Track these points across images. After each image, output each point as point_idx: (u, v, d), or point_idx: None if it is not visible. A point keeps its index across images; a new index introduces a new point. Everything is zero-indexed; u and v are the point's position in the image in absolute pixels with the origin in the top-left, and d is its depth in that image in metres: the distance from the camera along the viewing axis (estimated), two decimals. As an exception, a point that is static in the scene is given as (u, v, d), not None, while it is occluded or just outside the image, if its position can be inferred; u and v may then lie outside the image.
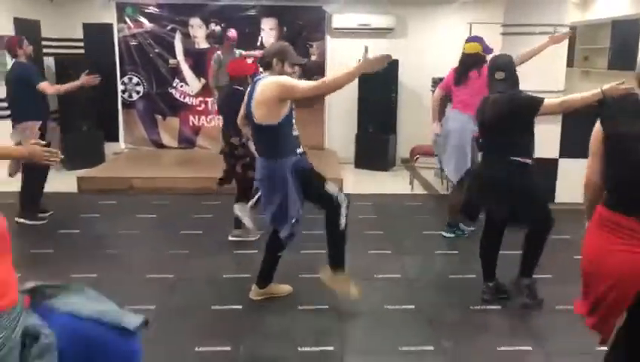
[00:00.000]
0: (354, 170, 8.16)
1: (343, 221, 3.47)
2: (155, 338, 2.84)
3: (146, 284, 4.05)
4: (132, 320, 1.83)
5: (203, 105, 8.57)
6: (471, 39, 5.17)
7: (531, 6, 6.18)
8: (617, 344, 2.21)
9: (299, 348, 3.20)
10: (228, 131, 4.73)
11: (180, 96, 8.54)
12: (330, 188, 3.51)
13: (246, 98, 3.47)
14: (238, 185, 4.85)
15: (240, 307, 3.69)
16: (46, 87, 5.21)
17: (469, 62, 5.02)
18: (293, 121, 3.48)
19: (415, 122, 8.08)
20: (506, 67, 3.64)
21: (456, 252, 4.82)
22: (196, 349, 3.17)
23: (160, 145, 8.59)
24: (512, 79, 3.62)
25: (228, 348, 3.20)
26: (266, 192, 3.50)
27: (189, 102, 8.58)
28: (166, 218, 5.71)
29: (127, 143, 8.54)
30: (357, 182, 7.37)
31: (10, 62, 5.52)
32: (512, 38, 6.26)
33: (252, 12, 8.39)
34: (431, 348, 3.23)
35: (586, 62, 8.18)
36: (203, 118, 8.61)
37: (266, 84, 3.31)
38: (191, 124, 8.63)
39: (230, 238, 4.93)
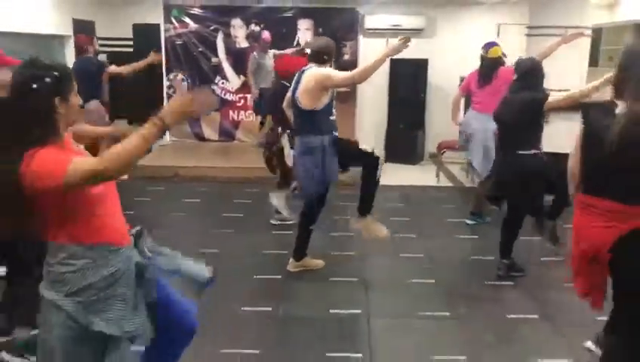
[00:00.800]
0: (384, 163, 8.55)
1: (379, 172, 4.01)
2: (205, 301, 3.34)
3: (194, 257, 4.56)
4: (203, 273, 2.31)
5: (242, 101, 9.11)
6: (491, 44, 5.53)
7: (554, 9, 6.53)
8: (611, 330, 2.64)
9: (330, 310, 3.67)
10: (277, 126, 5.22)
11: (221, 93, 9.10)
12: (366, 147, 4.02)
13: (292, 86, 3.98)
14: (282, 173, 5.35)
15: (279, 276, 4.18)
16: (114, 68, 5.82)
17: (493, 66, 5.41)
18: (334, 109, 3.97)
19: (443, 119, 8.41)
20: (520, 69, 4.04)
21: (477, 237, 5.22)
22: (242, 309, 3.68)
23: (202, 138, 9.16)
24: (527, 80, 4.01)
25: (269, 309, 3.69)
26: (305, 164, 3.95)
27: (230, 98, 9.13)
28: (209, 202, 6.25)
29: (172, 136, 9.14)
30: (386, 175, 7.73)
31: (67, 57, 6.15)
32: (536, 39, 6.63)
33: (289, 13, 8.89)
34: (447, 313, 3.66)
35: (610, 62, 8.40)
36: (242, 112, 9.15)
37: (311, 74, 3.83)
38: (231, 118, 9.18)
39: (272, 222, 5.41)
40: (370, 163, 4.01)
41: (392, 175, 7.81)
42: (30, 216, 1.82)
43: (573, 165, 2.66)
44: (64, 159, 1.75)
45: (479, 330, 3.46)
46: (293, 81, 4.02)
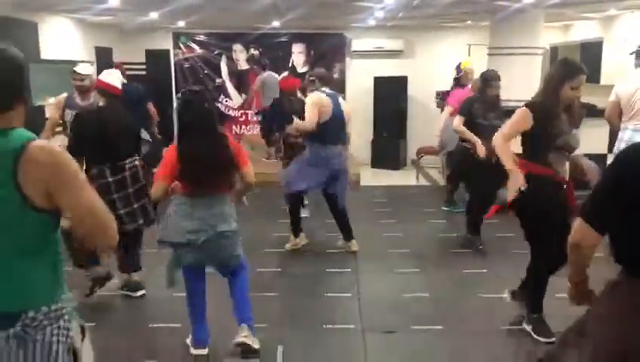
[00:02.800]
0: (370, 169, 9.68)
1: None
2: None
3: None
4: None
5: (244, 117, 10.22)
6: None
7: (512, 31, 7.65)
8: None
9: (326, 270, 4.72)
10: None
11: (224, 109, 10.20)
12: None
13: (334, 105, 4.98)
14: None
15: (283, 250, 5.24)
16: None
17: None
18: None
19: (422, 128, 9.58)
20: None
21: (445, 221, 6.30)
22: (257, 269, 4.71)
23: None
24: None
25: (279, 270, 4.74)
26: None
27: (232, 114, 10.24)
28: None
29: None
30: (372, 177, 8.90)
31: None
32: (495, 57, 7.76)
33: (284, 38, 10.05)
34: (417, 270, 4.72)
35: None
36: (243, 127, 10.25)
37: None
38: (233, 132, 10.26)
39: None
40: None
41: (377, 178, 8.93)
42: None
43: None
44: None
45: (441, 280, 4.51)
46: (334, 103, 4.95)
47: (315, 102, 4.83)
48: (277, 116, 6.53)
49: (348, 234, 5.22)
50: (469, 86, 6.53)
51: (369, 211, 6.79)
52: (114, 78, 4.16)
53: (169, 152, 3.13)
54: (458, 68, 7.06)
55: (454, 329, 3.65)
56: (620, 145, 4.94)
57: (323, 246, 5.37)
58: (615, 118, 5.11)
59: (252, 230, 5.88)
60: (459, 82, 6.85)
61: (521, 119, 3.31)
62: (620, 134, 5.05)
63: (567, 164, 3.54)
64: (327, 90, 5.01)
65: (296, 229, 5.36)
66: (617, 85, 5.20)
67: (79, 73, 4.50)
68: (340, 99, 5.15)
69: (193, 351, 3.28)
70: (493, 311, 3.87)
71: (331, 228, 5.57)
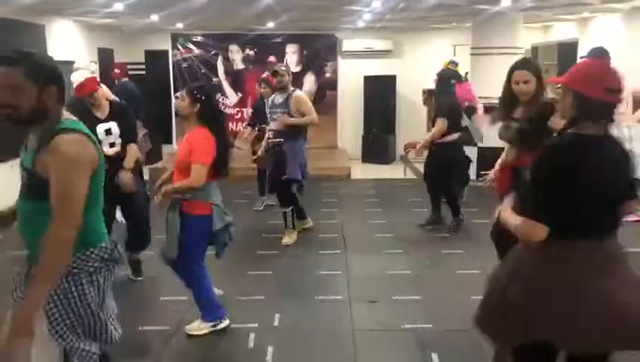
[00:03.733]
0: (361, 164, 10.14)
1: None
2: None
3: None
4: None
5: (239, 114, 10.66)
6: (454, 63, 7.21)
7: (492, 32, 8.15)
8: None
9: (319, 251, 5.19)
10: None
11: (221, 107, 10.62)
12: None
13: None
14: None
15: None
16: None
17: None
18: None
19: (410, 125, 10.07)
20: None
21: (428, 210, 6.76)
22: (256, 251, 5.17)
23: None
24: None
25: (276, 252, 5.20)
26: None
27: (228, 112, 10.67)
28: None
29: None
30: (362, 172, 9.37)
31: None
32: (478, 57, 8.25)
33: (278, 39, 10.50)
34: (400, 251, 5.19)
35: (547, 75, 10.09)
36: (239, 124, 10.68)
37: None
38: (230, 129, 10.70)
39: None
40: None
41: (367, 172, 9.40)
42: None
43: None
44: None
45: (421, 259, 4.98)
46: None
47: (305, 99, 5.31)
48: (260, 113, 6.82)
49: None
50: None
51: (358, 201, 7.28)
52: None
53: (209, 141, 3.39)
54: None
55: (431, 299, 4.13)
56: None
57: (315, 232, 5.83)
58: None
59: (252, 218, 6.37)
60: None
61: None
62: None
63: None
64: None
65: (301, 215, 5.78)
66: None
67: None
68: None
69: (221, 325, 3.60)
70: (467, 285, 4.32)
71: (324, 216, 6.06)
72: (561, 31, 9.73)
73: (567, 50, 8.89)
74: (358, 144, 10.42)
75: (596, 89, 1.99)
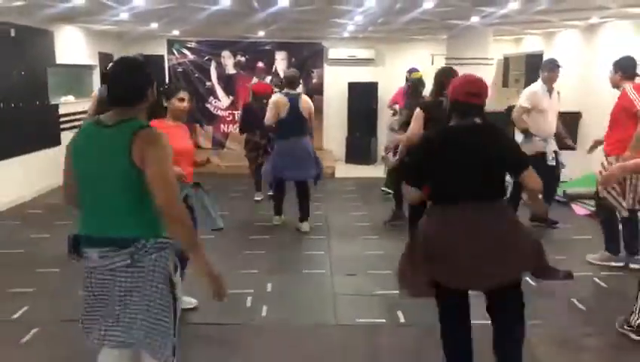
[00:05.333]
0: (345, 164, 10.86)
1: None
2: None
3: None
4: (218, 222, 4.26)
5: (231, 117, 11.34)
6: (414, 70, 7.88)
7: (465, 45, 8.92)
8: None
9: (304, 252, 5.89)
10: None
11: (214, 110, 11.31)
12: None
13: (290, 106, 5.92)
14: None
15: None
16: None
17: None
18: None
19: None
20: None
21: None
22: (250, 236, 5.85)
23: (198, 147, 11.27)
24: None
25: (267, 237, 5.89)
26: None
27: (221, 114, 11.35)
28: (214, 188, 8.38)
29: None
30: (346, 171, 10.09)
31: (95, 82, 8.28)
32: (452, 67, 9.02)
33: (268, 47, 11.21)
34: (376, 237, 5.92)
35: (517, 84, 10.92)
36: (231, 126, 11.37)
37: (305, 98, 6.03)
38: (222, 130, 11.39)
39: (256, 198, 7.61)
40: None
41: (350, 172, 10.11)
42: None
43: None
44: None
45: (394, 243, 5.63)
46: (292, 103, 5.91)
47: (273, 102, 5.92)
48: (249, 116, 7.43)
49: (304, 216, 6.19)
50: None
51: (341, 197, 8.00)
52: None
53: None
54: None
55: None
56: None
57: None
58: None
59: (245, 209, 7.06)
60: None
61: None
62: None
63: None
64: (290, 91, 5.98)
65: (278, 210, 6.45)
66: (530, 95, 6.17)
67: None
68: (302, 98, 6.01)
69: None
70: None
71: (311, 208, 6.75)
72: (530, 43, 10.56)
73: (533, 61, 9.69)
74: (343, 146, 11.15)
75: (460, 94, 2.79)
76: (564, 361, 3.43)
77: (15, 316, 3.93)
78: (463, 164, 2.75)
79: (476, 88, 2.82)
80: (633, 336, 3.57)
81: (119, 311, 2.27)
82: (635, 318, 3.55)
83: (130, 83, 2.30)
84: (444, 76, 4.38)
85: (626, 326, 3.62)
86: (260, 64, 10.83)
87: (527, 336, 2.98)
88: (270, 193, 6.97)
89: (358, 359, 3.43)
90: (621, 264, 4.86)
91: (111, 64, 2.39)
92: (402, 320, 3.94)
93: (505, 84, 11.04)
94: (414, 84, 6.67)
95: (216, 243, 4.54)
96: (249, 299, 4.26)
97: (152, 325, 2.28)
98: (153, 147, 2.19)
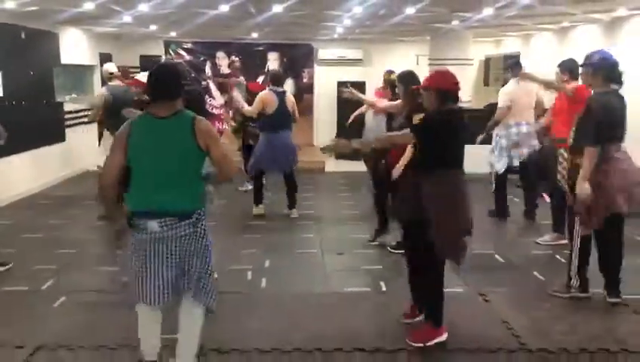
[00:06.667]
0: (335, 160, 11.39)
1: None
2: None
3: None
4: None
5: (225, 114, 11.84)
6: (390, 71, 8.40)
7: (446, 46, 9.53)
8: None
9: (298, 235, 6.44)
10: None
11: (208, 108, 11.79)
12: None
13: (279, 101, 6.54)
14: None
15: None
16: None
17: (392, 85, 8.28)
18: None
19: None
20: None
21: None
22: (247, 222, 6.38)
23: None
24: None
25: (263, 223, 6.43)
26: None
27: (215, 112, 11.84)
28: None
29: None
30: (336, 166, 10.64)
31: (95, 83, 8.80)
32: (435, 67, 9.60)
33: (261, 48, 11.75)
34: (361, 223, 6.47)
35: (497, 83, 11.52)
36: (225, 123, 11.86)
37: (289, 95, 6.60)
38: (217, 128, 11.88)
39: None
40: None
41: (340, 166, 10.65)
42: None
43: None
44: None
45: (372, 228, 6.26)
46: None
47: (260, 97, 6.51)
48: None
49: (292, 204, 6.77)
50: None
51: (330, 188, 8.59)
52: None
53: None
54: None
55: (383, 252, 5.41)
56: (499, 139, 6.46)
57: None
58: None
59: (242, 200, 7.60)
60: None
61: None
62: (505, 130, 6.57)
63: None
64: (277, 88, 6.57)
65: (257, 199, 6.88)
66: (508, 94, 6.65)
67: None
68: (287, 95, 6.68)
69: None
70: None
71: (302, 199, 7.30)
72: (509, 45, 11.20)
73: (500, 61, 10.33)
74: (332, 142, 11.69)
75: (452, 84, 3.42)
76: (524, 319, 3.99)
77: (43, 287, 4.45)
78: (462, 138, 3.49)
79: (456, 79, 3.47)
80: (581, 295, 4.19)
81: (186, 270, 2.90)
82: (575, 282, 4.19)
83: (173, 83, 2.88)
84: (411, 77, 4.94)
85: (573, 290, 4.23)
86: (234, 57, 11.14)
87: (494, 301, 3.57)
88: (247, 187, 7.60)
89: (347, 318, 3.98)
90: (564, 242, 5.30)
91: (155, 67, 3.00)
92: (384, 288, 4.50)
93: (486, 83, 11.67)
94: (392, 84, 7.21)
95: (218, 227, 5.07)
96: (249, 273, 4.81)
97: (206, 276, 2.93)
98: (212, 132, 2.89)
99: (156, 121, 2.84)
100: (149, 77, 2.92)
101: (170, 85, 2.86)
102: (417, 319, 3.79)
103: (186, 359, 3.00)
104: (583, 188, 3.88)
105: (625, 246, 4.23)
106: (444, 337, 3.57)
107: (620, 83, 4.02)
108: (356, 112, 7.34)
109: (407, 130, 3.61)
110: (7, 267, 4.81)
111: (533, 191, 6.57)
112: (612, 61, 4.02)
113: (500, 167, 6.41)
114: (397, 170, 4.61)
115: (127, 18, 7.89)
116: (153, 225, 2.81)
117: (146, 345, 3.02)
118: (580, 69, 4.40)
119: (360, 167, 10.75)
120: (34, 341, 3.53)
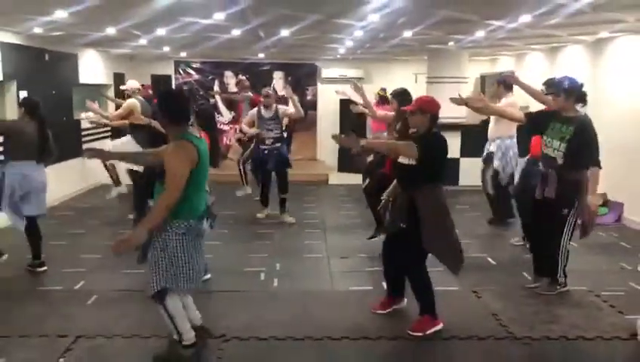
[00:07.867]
0: (337, 173, 11.89)
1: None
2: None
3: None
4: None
5: (232, 130, 12.36)
6: (384, 89, 8.99)
7: (443, 65, 10.03)
8: None
9: (305, 242, 6.89)
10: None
11: (217, 124, 12.31)
12: None
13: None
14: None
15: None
16: None
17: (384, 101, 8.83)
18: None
19: (378, 140, 11.86)
20: None
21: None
22: (258, 230, 6.84)
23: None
24: None
25: (271, 231, 6.88)
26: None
27: (223, 128, 12.37)
28: (220, 193, 9.38)
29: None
30: (338, 179, 11.13)
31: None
32: (432, 85, 10.12)
33: (266, 67, 12.29)
34: (366, 230, 6.90)
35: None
36: (232, 138, 12.38)
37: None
38: (224, 143, 12.39)
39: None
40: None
41: (342, 179, 11.13)
42: None
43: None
44: None
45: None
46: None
47: (250, 113, 7.29)
48: None
49: (283, 209, 7.38)
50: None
51: (333, 199, 9.04)
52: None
53: None
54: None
55: (385, 256, 5.85)
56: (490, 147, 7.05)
57: (301, 219, 7.52)
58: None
59: (249, 209, 8.06)
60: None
61: None
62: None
63: None
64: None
65: (263, 202, 7.56)
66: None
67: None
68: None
69: None
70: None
71: (307, 209, 7.76)
72: (504, 63, 11.71)
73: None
74: (335, 156, 12.17)
75: (436, 109, 3.93)
76: (512, 312, 4.43)
77: (76, 287, 4.91)
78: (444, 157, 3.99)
79: (438, 104, 3.97)
80: (564, 289, 4.70)
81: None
82: (563, 280, 4.66)
83: (188, 107, 3.51)
84: (405, 94, 5.64)
85: (558, 287, 4.69)
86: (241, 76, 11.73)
87: (485, 297, 4.03)
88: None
89: (352, 311, 4.42)
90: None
91: (181, 92, 3.63)
92: (385, 287, 4.93)
93: (481, 99, 12.14)
94: (385, 98, 7.97)
95: (230, 236, 5.52)
96: (262, 274, 5.26)
97: None
98: None
99: (201, 139, 3.44)
100: (179, 100, 3.48)
101: (189, 110, 3.50)
102: (388, 310, 4.38)
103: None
104: (594, 203, 4.42)
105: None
106: (440, 326, 4.03)
107: (586, 103, 4.59)
108: (361, 109, 7.82)
109: (410, 142, 3.94)
110: (3, 257, 5.45)
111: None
112: (579, 84, 4.57)
113: (508, 173, 6.86)
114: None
115: (142, 41, 8.41)
116: (205, 224, 3.46)
117: (187, 328, 3.51)
118: (550, 96, 4.99)
119: (362, 180, 11.28)
120: (74, 331, 3.98)
